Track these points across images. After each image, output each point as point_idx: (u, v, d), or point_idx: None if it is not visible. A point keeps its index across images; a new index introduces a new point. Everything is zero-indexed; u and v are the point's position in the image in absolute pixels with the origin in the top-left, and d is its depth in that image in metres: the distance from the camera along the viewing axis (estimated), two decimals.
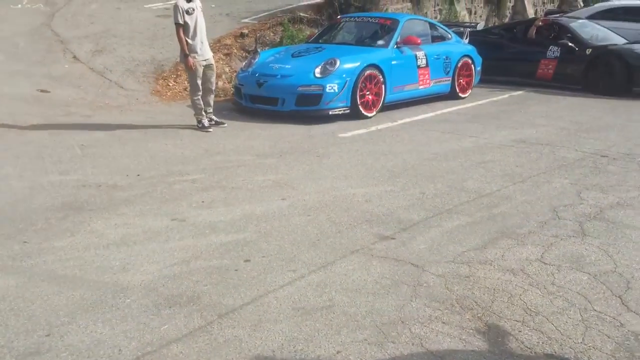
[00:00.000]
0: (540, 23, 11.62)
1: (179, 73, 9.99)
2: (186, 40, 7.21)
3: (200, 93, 7.43)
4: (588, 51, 10.40)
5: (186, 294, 3.33)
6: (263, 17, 12.58)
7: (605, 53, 10.25)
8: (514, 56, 11.38)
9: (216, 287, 3.41)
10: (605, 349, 2.88)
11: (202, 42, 7.34)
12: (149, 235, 4.14)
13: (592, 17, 12.57)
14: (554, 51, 10.83)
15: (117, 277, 3.52)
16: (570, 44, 10.62)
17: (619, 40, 10.86)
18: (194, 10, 7.25)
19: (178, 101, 9.23)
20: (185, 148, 6.57)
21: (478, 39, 11.13)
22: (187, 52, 7.21)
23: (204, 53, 7.38)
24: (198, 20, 7.30)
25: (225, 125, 7.64)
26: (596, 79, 10.26)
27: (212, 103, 7.67)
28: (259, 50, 10.11)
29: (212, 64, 7.55)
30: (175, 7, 7.25)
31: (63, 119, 7.81)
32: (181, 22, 7.19)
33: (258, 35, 11.24)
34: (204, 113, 7.47)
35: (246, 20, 12.54)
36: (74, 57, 10.14)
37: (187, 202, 4.83)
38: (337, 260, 3.78)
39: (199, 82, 7.38)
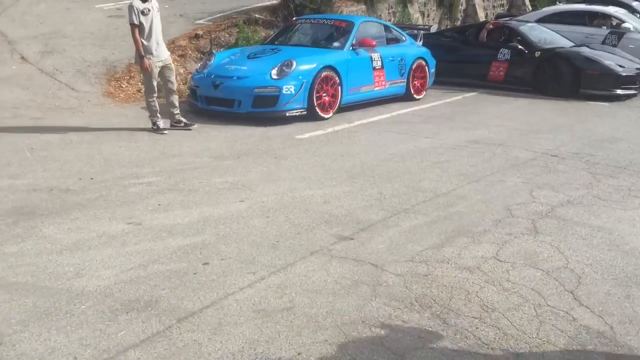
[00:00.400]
0: (490, 26, 11.88)
1: (132, 74, 9.81)
2: (142, 42, 7.09)
3: (156, 95, 7.31)
4: (537, 54, 10.68)
5: (144, 299, 3.27)
6: (218, 18, 12.47)
7: (554, 56, 10.55)
8: (466, 58, 11.60)
9: (175, 291, 3.36)
10: (558, 343, 2.96)
11: (157, 43, 7.23)
12: (104, 240, 4.05)
13: (540, 21, 12.93)
14: (504, 54, 11.09)
15: (71, 283, 3.43)
16: (520, 46, 10.89)
17: (566, 44, 11.21)
18: (149, 10, 7.14)
19: (132, 103, 9.06)
20: (140, 150, 6.46)
21: (431, 41, 11.31)
22: (143, 54, 7.08)
23: (160, 54, 7.27)
24: (154, 21, 7.18)
25: (195, 127, 7.52)
26: (545, 81, 10.55)
27: (177, 104, 7.54)
28: (214, 51, 10.02)
29: (169, 64, 7.44)
30: (130, 7, 7.12)
31: (11, 122, 7.56)
32: (136, 22, 7.06)
33: (213, 36, 11.13)
34: (159, 115, 7.35)
35: (200, 21, 12.40)
36: (22, 58, 9.83)
37: (143, 205, 4.74)
38: (297, 262, 3.78)
39: (155, 83, 7.27)
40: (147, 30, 7.11)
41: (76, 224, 4.33)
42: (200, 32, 11.35)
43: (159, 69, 7.25)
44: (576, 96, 10.20)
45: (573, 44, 11.24)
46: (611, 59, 10.42)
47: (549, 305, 3.31)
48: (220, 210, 4.67)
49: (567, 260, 3.89)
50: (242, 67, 8.23)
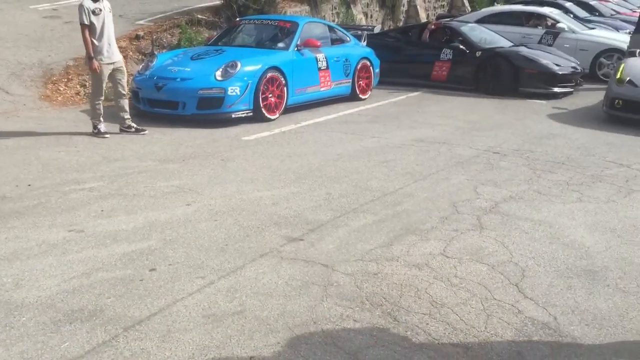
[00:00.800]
0: (432, 27, 12.09)
1: (70, 77, 9.50)
2: (92, 42, 6.88)
3: (102, 98, 7.11)
4: (478, 54, 10.93)
5: (88, 308, 3.16)
6: (159, 19, 12.23)
7: (494, 55, 10.83)
8: (410, 59, 11.75)
9: (120, 299, 3.27)
10: (506, 335, 3.03)
11: (109, 44, 7.03)
12: (44, 249, 3.90)
13: (479, 21, 13.26)
14: (446, 54, 11.30)
15: (9, 295, 3.28)
16: (461, 46, 11.12)
17: (505, 43, 11.52)
18: (101, 10, 6.93)
19: (70, 106, 8.77)
20: (81, 155, 6.25)
21: (376, 42, 11.41)
22: (92, 55, 6.87)
23: (112, 56, 7.07)
24: (105, 21, 6.98)
25: (146, 132, 7.33)
26: (486, 79, 10.81)
27: (127, 108, 7.33)
28: (156, 52, 9.81)
29: (121, 67, 7.23)
30: (81, 7, 6.89)
31: None
32: (86, 22, 6.84)
33: (154, 37, 10.91)
34: (101, 119, 7.14)
35: (141, 22, 12.13)
36: None
37: (85, 211, 4.59)
38: (246, 265, 3.73)
39: (103, 86, 7.07)
40: (98, 31, 6.91)
41: (14, 232, 4.15)
42: (141, 33, 11.10)
43: (110, 71, 7.06)
44: (515, 94, 10.50)
45: (512, 44, 11.57)
46: (548, 58, 10.78)
47: (495, 299, 3.38)
48: (166, 214, 4.57)
49: (511, 254, 3.99)
50: (186, 69, 8.10)
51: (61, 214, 4.52)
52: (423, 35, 11.95)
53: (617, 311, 3.29)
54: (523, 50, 11.07)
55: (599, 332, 3.08)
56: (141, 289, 3.38)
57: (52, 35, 10.85)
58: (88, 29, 6.88)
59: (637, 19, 11.66)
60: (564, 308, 3.30)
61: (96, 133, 7.11)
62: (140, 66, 8.86)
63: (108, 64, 7.02)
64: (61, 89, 9.31)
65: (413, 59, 11.73)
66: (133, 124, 7.33)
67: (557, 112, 9.38)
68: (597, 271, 3.77)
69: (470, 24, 12.34)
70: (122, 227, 4.29)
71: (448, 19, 14.09)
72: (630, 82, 8.40)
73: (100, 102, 7.09)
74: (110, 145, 6.71)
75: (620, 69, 8.69)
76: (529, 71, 10.51)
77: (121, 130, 7.30)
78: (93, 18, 6.88)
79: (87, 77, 9.13)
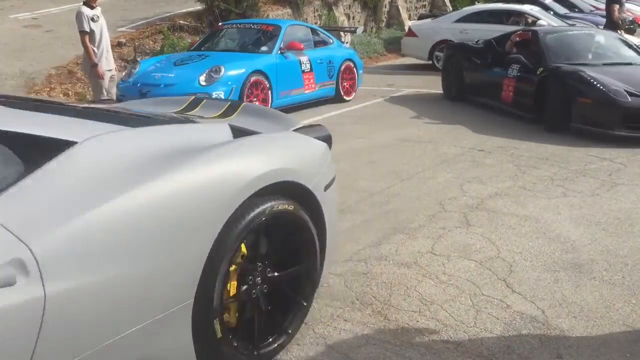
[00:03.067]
0: (517, 38, 9.20)
1: (52, 86, 9.46)
2: (93, 49, 6.86)
3: None
4: (539, 71, 8.02)
5: None
6: (141, 26, 12.21)
7: (548, 75, 7.89)
8: (485, 75, 9.41)
9: None
10: (495, 330, 3.06)
11: (107, 52, 7.03)
12: None
13: (461, 20, 13.38)
14: (514, 69, 8.50)
15: None
16: (524, 59, 8.33)
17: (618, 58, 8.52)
18: (98, 17, 6.93)
19: None
20: None
21: (458, 53, 9.94)
22: (96, 61, 6.85)
23: (109, 63, 7.07)
24: (103, 29, 6.98)
25: None
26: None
27: None
28: (138, 59, 9.79)
29: (114, 75, 7.23)
30: (80, 13, 6.87)
31: None
32: (87, 29, 6.82)
33: (137, 44, 10.90)
34: None
35: (123, 29, 12.10)
36: None
37: None
38: None
39: (105, 93, 7.06)
40: (97, 38, 6.90)
41: None
42: (123, 40, 11.08)
43: (108, 78, 7.05)
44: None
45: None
46: (622, 80, 9.15)
47: (483, 295, 3.42)
48: None
49: (499, 250, 4.03)
50: (169, 75, 8.09)
51: None
52: (507, 45, 9.18)
53: (603, 303, 3.33)
54: (588, 68, 7.59)
55: (587, 324, 3.12)
56: None
57: (34, 44, 10.79)
58: (88, 35, 6.86)
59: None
60: (551, 301, 3.34)
61: None
62: (124, 73, 8.84)
63: (107, 70, 7.02)
64: (44, 98, 9.25)
65: (488, 75, 9.28)
66: None
67: None
68: (583, 264, 3.82)
69: (563, 27, 10.39)
70: None
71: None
72: None
73: None
74: None
75: None
76: (583, 101, 7.20)
77: None
78: (92, 25, 6.87)
79: (70, 85, 9.10)
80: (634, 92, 7.03)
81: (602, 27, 12.57)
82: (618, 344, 2.95)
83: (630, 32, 15.13)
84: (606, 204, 4.93)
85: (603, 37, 9.13)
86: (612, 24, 10.92)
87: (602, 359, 2.84)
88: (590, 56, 8.41)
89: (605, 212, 4.73)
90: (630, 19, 17.38)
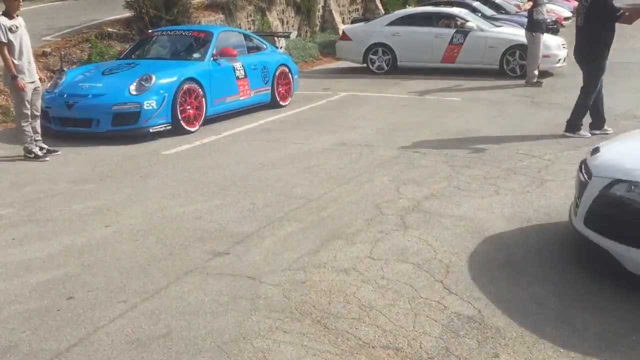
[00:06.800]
0: None
1: None
2: (12, 61, 6.51)
3: (30, 120, 6.75)
4: None
5: (0, 345, 2.97)
6: (67, 34, 11.77)
7: None
8: None
9: (36, 332, 3.09)
10: (433, 332, 3.08)
11: (29, 63, 6.68)
12: None
13: (393, 23, 13.55)
14: None
15: None
16: None
17: None
18: (17, 28, 6.57)
19: None
20: None
21: None
22: (15, 74, 6.51)
23: (32, 75, 6.73)
24: (23, 39, 6.62)
25: (59, 152, 6.97)
26: None
27: (39, 130, 6.96)
28: (65, 69, 9.42)
29: (39, 87, 6.89)
30: None
31: None
32: (4, 40, 6.45)
33: (63, 53, 10.48)
34: (34, 141, 6.79)
35: (48, 37, 11.63)
36: None
37: None
38: (170, 284, 3.62)
39: (29, 106, 6.71)
40: (17, 49, 6.54)
41: None
42: (48, 49, 10.64)
43: (31, 90, 6.72)
44: (431, 92, 10.75)
45: None
46: None
47: (422, 297, 3.44)
48: (84, 238, 4.38)
49: (435, 251, 4.07)
50: (98, 84, 7.82)
51: None
52: None
53: (536, 299, 3.41)
54: None
55: (522, 322, 3.18)
56: (58, 320, 3.21)
57: None
58: (6, 47, 6.52)
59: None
60: (487, 301, 3.40)
61: (33, 157, 6.73)
62: (49, 84, 8.47)
63: (30, 82, 6.70)
64: None
65: None
66: (45, 146, 6.98)
67: (470, 108, 9.67)
68: (517, 261, 3.91)
69: None
70: (35, 255, 4.07)
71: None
72: None
73: (29, 123, 6.74)
74: (20, 170, 6.37)
75: None
76: None
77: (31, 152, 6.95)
78: (11, 36, 6.52)
79: None
80: None
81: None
82: (552, 341, 3.01)
83: (554, 32, 15.78)
84: (536, 200, 5.07)
85: None
86: (533, 24, 11.28)
87: (537, 355, 2.90)
88: None
89: (536, 209, 4.86)
90: (553, 19, 18.14)
